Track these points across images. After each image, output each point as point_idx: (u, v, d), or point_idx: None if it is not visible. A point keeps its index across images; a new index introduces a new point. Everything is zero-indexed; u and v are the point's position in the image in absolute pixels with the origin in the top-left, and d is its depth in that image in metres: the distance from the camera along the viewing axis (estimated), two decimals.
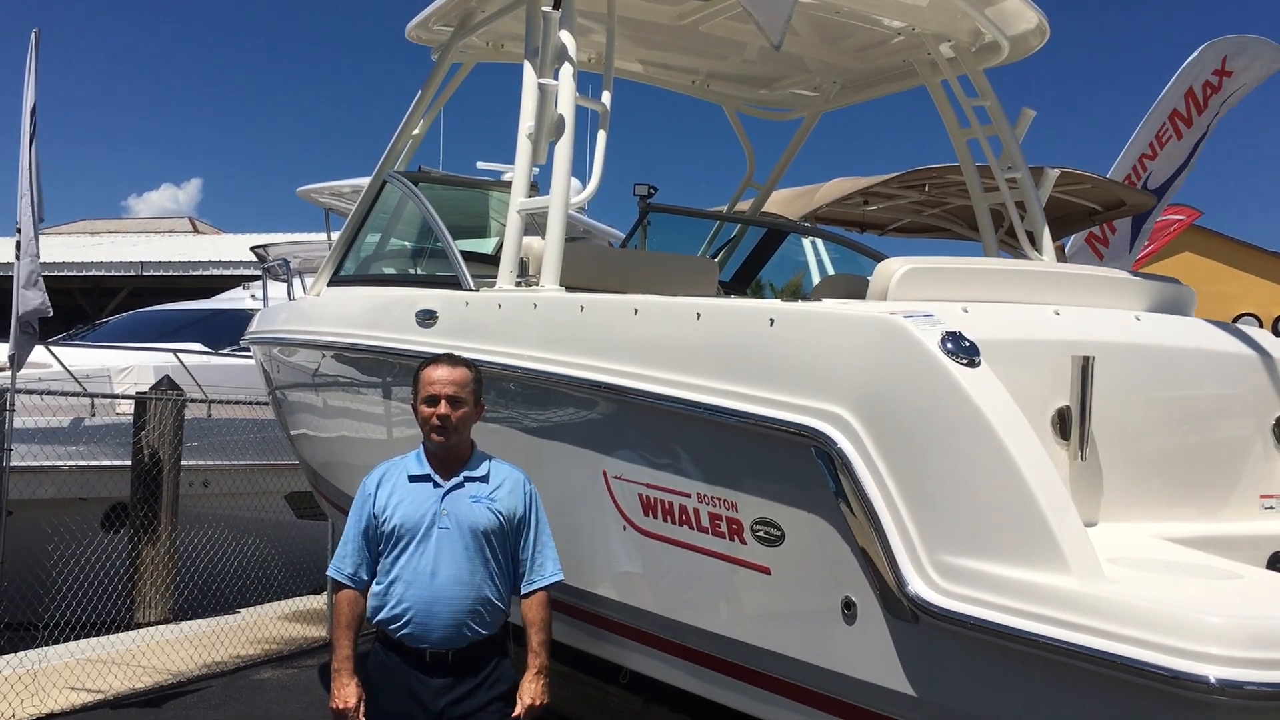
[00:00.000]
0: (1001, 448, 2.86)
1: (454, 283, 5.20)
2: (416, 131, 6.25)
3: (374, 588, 3.92)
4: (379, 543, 3.91)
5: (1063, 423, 3.46)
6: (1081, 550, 2.74)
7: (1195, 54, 10.00)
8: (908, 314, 3.14)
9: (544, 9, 4.66)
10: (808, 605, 3.37)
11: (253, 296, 13.63)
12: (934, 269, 3.83)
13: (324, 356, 6.23)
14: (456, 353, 4.19)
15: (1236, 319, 18.94)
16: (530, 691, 3.84)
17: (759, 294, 7.75)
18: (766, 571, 3.47)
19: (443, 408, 3.90)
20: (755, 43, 6.18)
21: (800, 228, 7.98)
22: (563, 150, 4.67)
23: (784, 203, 10.07)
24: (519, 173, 4.87)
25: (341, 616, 3.93)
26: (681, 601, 3.83)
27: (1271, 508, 3.89)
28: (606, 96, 4.85)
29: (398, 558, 3.85)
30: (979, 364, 2.99)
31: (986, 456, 2.88)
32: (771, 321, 3.48)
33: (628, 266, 5.75)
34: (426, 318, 5.16)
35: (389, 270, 6.47)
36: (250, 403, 10.58)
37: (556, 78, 4.68)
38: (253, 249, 10.94)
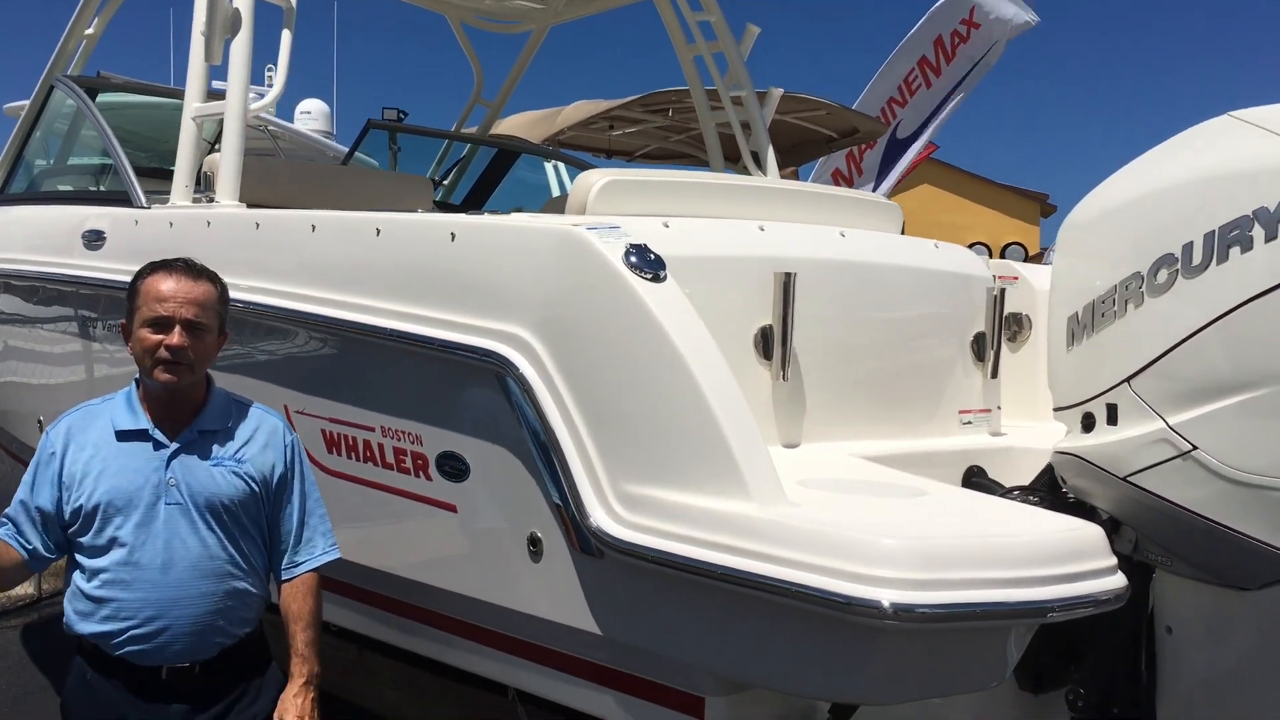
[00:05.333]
0: (683, 366, 2.65)
1: (125, 199, 4.63)
2: (90, 30, 5.56)
3: (73, 589, 2.84)
4: (72, 524, 2.81)
5: (765, 342, 3.32)
6: (763, 474, 2.58)
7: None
8: (591, 226, 2.89)
9: None
10: (494, 544, 3.11)
11: None
12: (635, 181, 3.59)
13: None
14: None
15: (969, 248, 20.14)
16: (295, 710, 2.83)
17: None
18: (453, 509, 3.19)
19: (176, 336, 2.78)
20: None
21: (533, 147, 7.66)
22: (239, 49, 4.17)
23: (526, 126, 9.74)
24: (193, 74, 4.34)
25: None
26: (371, 546, 3.51)
27: (969, 422, 3.90)
28: None
29: (107, 548, 2.78)
30: (664, 279, 2.77)
31: (668, 376, 2.68)
32: (453, 236, 3.17)
33: (329, 184, 5.29)
34: (94, 239, 4.58)
35: (59, 187, 5.76)
36: None
37: None
38: None
